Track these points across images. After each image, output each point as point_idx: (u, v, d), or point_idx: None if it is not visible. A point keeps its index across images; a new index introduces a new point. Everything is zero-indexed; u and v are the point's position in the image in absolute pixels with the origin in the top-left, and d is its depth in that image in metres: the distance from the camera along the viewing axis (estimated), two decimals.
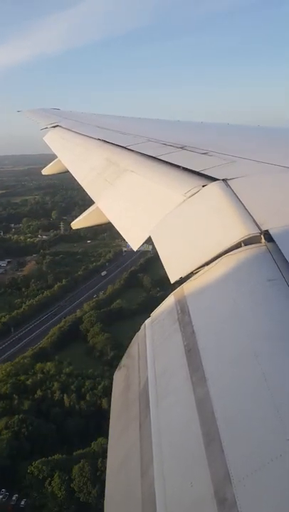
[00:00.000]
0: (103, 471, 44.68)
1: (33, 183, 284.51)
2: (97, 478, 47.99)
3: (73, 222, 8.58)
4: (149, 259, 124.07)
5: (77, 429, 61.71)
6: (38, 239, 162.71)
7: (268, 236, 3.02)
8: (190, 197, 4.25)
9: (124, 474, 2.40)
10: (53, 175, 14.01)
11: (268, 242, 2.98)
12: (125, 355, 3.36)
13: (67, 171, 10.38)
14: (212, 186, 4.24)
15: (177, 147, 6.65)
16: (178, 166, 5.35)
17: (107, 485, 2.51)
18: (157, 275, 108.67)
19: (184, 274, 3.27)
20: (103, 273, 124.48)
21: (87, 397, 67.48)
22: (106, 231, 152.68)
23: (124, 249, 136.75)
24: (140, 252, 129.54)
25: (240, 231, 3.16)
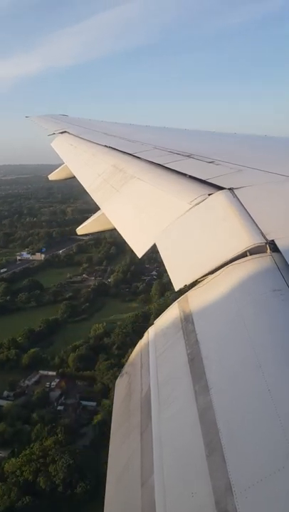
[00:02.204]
0: None
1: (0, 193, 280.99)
2: None
3: (78, 228, 8.61)
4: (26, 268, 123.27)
5: None
6: None
7: (273, 246, 3.01)
8: (196, 205, 4.25)
9: (124, 483, 2.38)
10: (59, 181, 14.10)
11: (274, 252, 2.97)
12: (127, 362, 3.34)
13: (74, 177, 10.42)
14: (218, 195, 4.24)
15: (184, 155, 6.66)
16: (184, 174, 5.36)
17: (106, 493, 2.49)
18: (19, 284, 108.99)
19: (188, 282, 3.26)
20: (2, 270, 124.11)
21: None
22: (18, 240, 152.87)
23: (19, 257, 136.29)
24: (34, 262, 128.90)
25: (245, 240, 3.15)
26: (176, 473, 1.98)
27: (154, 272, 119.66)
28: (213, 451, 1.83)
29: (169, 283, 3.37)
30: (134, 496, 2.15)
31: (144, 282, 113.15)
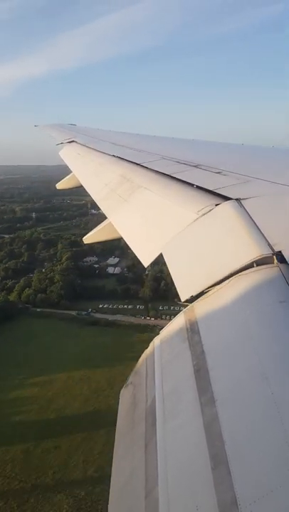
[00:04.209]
0: None
1: None
2: None
3: (85, 237, 8.63)
4: None
5: None
6: None
7: (280, 257, 3.00)
8: (203, 215, 4.26)
9: (127, 495, 2.36)
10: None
11: (281, 263, 2.96)
12: (133, 372, 3.33)
13: (81, 186, 10.47)
14: (225, 205, 4.25)
15: (191, 165, 6.68)
16: (191, 184, 5.37)
17: (110, 503, 2.47)
18: None
19: (194, 293, 3.25)
20: None
21: None
22: None
23: None
24: None
25: (252, 251, 3.15)
26: (180, 485, 1.96)
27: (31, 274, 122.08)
28: (218, 464, 1.81)
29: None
30: (137, 508, 2.12)
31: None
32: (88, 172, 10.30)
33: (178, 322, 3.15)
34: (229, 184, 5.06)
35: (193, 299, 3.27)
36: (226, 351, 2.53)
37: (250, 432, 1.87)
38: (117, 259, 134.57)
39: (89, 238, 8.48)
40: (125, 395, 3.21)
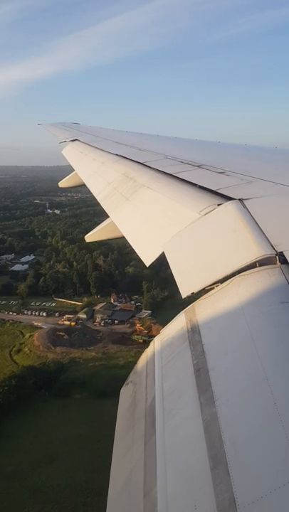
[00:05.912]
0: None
1: None
2: None
3: (87, 236, 8.63)
4: None
5: None
6: None
7: (282, 258, 2.99)
8: (205, 215, 4.24)
9: (126, 493, 2.36)
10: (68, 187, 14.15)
11: (283, 263, 2.95)
12: (133, 371, 3.33)
13: (84, 184, 10.46)
14: (228, 205, 4.23)
15: (194, 165, 6.67)
16: (194, 184, 5.36)
17: (108, 502, 2.47)
18: None
19: (195, 290, 3.24)
20: None
21: None
22: None
23: None
24: None
25: (254, 251, 3.13)
26: (179, 485, 1.96)
27: None
28: (217, 464, 1.81)
29: None
30: (136, 507, 2.12)
31: None
32: (90, 170, 10.29)
33: (178, 322, 3.14)
34: (232, 184, 5.05)
35: (194, 297, 3.27)
36: (226, 351, 2.52)
37: (250, 433, 1.87)
38: (32, 257, 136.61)
39: (90, 237, 8.48)
40: (125, 394, 3.21)
